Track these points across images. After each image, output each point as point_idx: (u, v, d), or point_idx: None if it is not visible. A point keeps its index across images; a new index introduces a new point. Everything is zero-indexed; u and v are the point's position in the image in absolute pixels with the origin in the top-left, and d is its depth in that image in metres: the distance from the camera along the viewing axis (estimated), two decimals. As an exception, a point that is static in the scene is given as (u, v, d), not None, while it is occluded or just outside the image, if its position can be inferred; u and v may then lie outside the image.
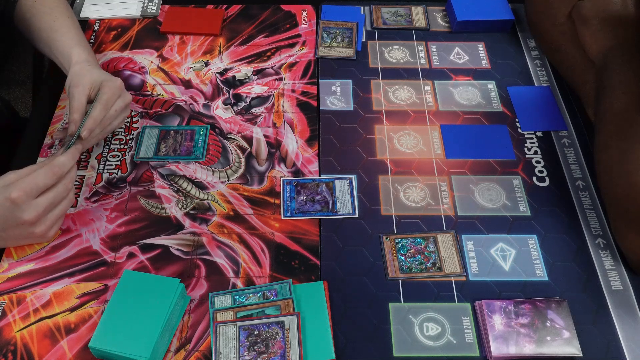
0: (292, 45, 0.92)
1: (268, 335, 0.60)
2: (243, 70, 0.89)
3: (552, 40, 0.85)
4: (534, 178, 0.76)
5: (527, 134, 0.81)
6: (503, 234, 0.71)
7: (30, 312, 0.63)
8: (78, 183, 0.75)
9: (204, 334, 0.62)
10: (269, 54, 0.91)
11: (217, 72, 0.88)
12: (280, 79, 0.88)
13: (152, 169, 0.77)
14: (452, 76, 0.88)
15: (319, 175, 0.76)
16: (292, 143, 0.80)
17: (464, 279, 0.67)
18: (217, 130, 0.81)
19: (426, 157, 0.78)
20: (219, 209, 0.73)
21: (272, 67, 0.89)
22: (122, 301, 0.61)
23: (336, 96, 0.86)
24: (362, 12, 0.98)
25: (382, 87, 0.87)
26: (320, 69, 0.89)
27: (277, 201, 0.73)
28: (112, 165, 0.77)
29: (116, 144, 0.79)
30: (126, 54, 0.91)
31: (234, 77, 0.88)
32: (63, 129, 0.79)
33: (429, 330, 0.63)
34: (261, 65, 0.89)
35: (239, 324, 0.61)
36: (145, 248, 0.69)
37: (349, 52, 0.91)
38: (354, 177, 0.76)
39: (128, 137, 0.80)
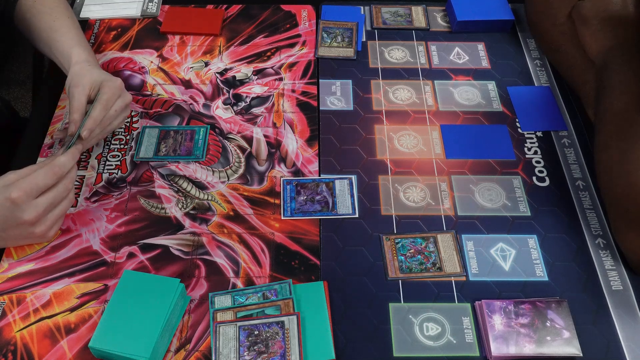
0: (292, 45, 0.93)
1: (268, 335, 0.60)
2: (243, 70, 0.89)
3: (552, 40, 0.85)
4: (534, 178, 0.76)
5: (527, 134, 0.81)
6: (503, 234, 0.71)
7: (30, 312, 0.63)
8: (78, 183, 0.75)
9: (204, 334, 0.62)
10: (269, 54, 0.91)
11: (217, 72, 0.88)
12: (280, 79, 0.88)
13: (152, 169, 0.77)
14: (452, 76, 0.88)
15: (319, 175, 0.76)
16: (292, 143, 0.80)
17: (464, 279, 0.67)
18: (217, 130, 0.81)
19: (426, 157, 0.78)
20: (219, 209, 0.73)
21: (272, 67, 0.89)
22: (122, 301, 0.61)
23: (336, 96, 0.86)
24: (362, 12, 0.98)
25: (382, 87, 0.87)
26: (320, 69, 0.89)
27: (277, 201, 0.73)
28: (112, 165, 0.77)
29: (116, 144, 0.79)
30: (126, 54, 0.91)
31: (234, 77, 0.88)
32: (63, 129, 0.79)
33: (429, 330, 0.63)
34: (261, 65, 0.89)
35: (239, 324, 0.61)
36: (145, 248, 0.69)
37: (349, 52, 0.91)
38: (354, 177, 0.76)
39: (128, 137, 0.80)
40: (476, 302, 0.64)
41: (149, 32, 0.94)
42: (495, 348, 0.60)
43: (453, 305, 0.65)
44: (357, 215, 0.72)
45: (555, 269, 0.68)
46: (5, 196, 0.61)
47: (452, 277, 0.67)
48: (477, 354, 0.61)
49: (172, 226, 0.71)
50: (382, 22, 0.96)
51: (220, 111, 0.83)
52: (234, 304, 0.63)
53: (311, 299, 0.64)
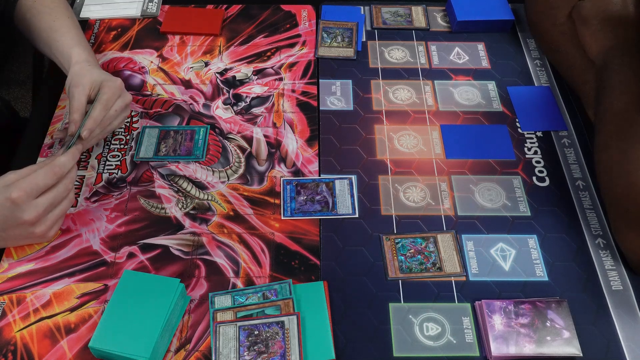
0: (292, 45, 0.93)
1: (268, 335, 0.60)
2: (243, 70, 0.89)
3: (552, 40, 0.85)
4: (534, 178, 0.76)
5: (527, 134, 0.81)
6: (503, 234, 0.71)
7: (30, 312, 0.63)
8: (78, 183, 0.75)
9: (204, 334, 0.62)
10: (269, 54, 0.91)
11: (217, 72, 0.88)
12: (280, 79, 0.88)
13: (152, 169, 0.77)
14: (452, 76, 0.88)
15: (319, 175, 0.76)
16: (292, 143, 0.80)
17: (464, 279, 0.67)
18: (217, 130, 0.81)
19: (426, 157, 0.78)
20: (219, 209, 0.73)
21: (272, 67, 0.89)
22: (122, 301, 0.61)
23: (336, 96, 0.86)
24: (362, 12, 0.98)
25: (382, 87, 0.87)
26: (320, 69, 0.89)
27: (277, 201, 0.73)
28: (112, 165, 0.77)
29: (116, 144, 0.79)
30: (126, 54, 0.91)
31: (234, 77, 0.88)
32: (63, 129, 0.79)
33: (429, 330, 0.63)
34: (261, 65, 0.89)
35: (239, 324, 0.61)
36: (145, 248, 0.69)
37: (349, 52, 0.91)
38: (354, 177, 0.76)
39: (128, 137, 0.80)
40: (476, 302, 0.64)
41: (149, 32, 0.94)
42: (495, 348, 0.60)
43: (453, 305, 0.65)
44: (357, 215, 0.72)
45: (555, 269, 0.68)
46: (6, 196, 0.61)
47: (452, 277, 0.67)
48: (477, 354, 0.61)
49: (172, 226, 0.71)
50: (382, 22, 0.96)
51: (220, 111, 0.83)
52: (234, 304, 0.63)
53: (311, 299, 0.64)
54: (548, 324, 0.62)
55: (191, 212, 0.72)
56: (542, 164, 0.78)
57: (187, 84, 0.87)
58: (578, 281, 0.67)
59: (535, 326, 0.62)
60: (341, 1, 1.00)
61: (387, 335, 0.63)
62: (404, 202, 0.74)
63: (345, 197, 0.74)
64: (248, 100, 0.85)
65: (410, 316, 0.64)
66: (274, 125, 0.82)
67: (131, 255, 0.68)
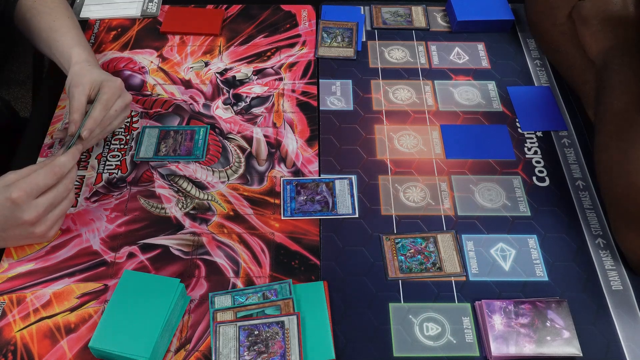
0: (292, 45, 0.93)
1: (268, 335, 0.60)
2: (243, 70, 0.89)
3: (552, 40, 0.85)
4: (534, 178, 0.76)
5: (527, 134, 0.81)
6: (503, 234, 0.71)
7: (30, 312, 0.63)
8: (78, 183, 0.75)
9: (204, 334, 0.62)
10: (269, 54, 0.91)
11: (217, 72, 0.88)
12: (280, 79, 0.88)
13: (152, 169, 0.77)
14: (452, 76, 0.88)
15: (319, 175, 0.76)
16: (292, 143, 0.80)
17: (464, 279, 0.67)
18: (217, 130, 0.81)
19: (426, 157, 0.78)
20: (219, 209, 0.73)
21: (272, 67, 0.89)
22: (122, 301, 0.61)
23: (336, 96, 0.86)
24: (362, 12, 0.98)
25: (382, 87, 0.87)
26: (320, 69, 0.89)
27: (277, 201, 0.73)
28: (112, 165, 0.77)
29: (116, 144, 0.79)
30: (126, 54, 0.91)
31: (234, 77, 0.88)
32: (63, 129, 0.79)
33: (429, 330, 0.63)
34: (261, 65, 0.89)
35: (239, 324, 0.61)
36: (145, 248, 0.69)
37: (349, 52, 0.91)
38: (354, 177, 0.76)
39: (128, 137, 0.80)
40: (476, 302, 0.64)
41: (149, 32, 0.94)
42: (495, 348, 0.60)
43: (453, 305, 0.65)
44: (357, 215, 0.72)
45: (555, 269, 0.68)
46: (6, 196, 0.61)
47: (452, 277, 0.67)
48: (477, 354, 0.61)
49: (172, 226, 0.71)
50: (382, 22, 0.96)
51: (220, 111, 0.83)
52: (234, 304, 0.63)
53: (311, 299, 0.64)
54: (548, 324, 0.62)
55: (191, 212, 0.72)
56: (542, 164, 0.78)
57: (187, 84, 0.87)
58: (578, 281, 0.67)
59: (535, 326, 0.62)
60: (341, 1, 1.00)
61: (387, 335, 0.63)
62: (404, 202, 0.74)
63: (345, 197, 0.74)
64: (248, 100, 0.85)
65: (410, 316, 0.64)
66: (274, 125, 0.82)
67: (131, 255, 0.68)
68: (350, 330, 0.63)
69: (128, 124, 0.81)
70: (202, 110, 0.83)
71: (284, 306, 0.63)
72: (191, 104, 0.84)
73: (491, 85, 0.87)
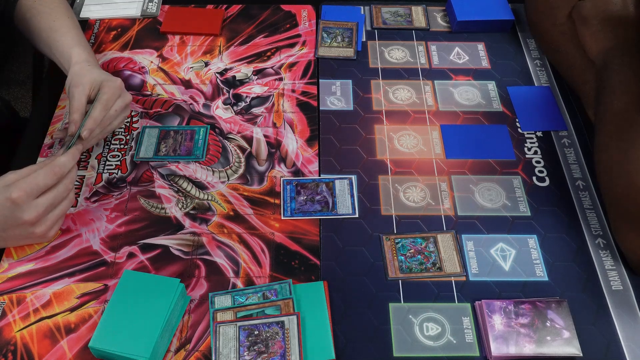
0: (292, 45, 0.93)
1: (268, 335, 0.60)
2: (243, 70, 0.89)
3: (552, 40, 0.85)
4: (534, 178, 0.76)
5: (527, 134, 0.81)
6: (503, 234, 0.71)
7: (30, 312, 0.63)
8: (78, 183, 0.75)
9: (204, 334, 0.62)
10: (269, 54, 0.91)
11: (217, 72, 0.88)
12: (280, 79, 0.88)
13: (152, 169, 0.77)
14: (452, 76, 0.88)
15: (319, 175, 0.76)
16: (292, 143, 0.80)
17: (464, 279, 0.67)
18: (217, 130, 0.81)
19: (426, 157, 0.78)
20: (219, 209, 0.73)
21: (272, 67, 0.89)
22: (122, 301, 0.61)
23: (336, 96, 0.86)
24: (362, 12, 0.98)
25: (382, 87, 0.87)
26: (320, 69, 0.89)
27: (277, 201, 0.73)
28: (112, 165, 0.77)
29: (116, 144, 0.79)
30: (126, 54, 0.91)
31: (234, 77, 0.88)
32: (63, 129, 0.79)
33: (429, 330, 0.63)
34: (261, 65, 0.89)
35: (239, 324, 0.61)
36: (145, 248, 0.69)
37: (349, 52, 0.91)
38: (354, 177, 0.76)
39: (128, 137, 0.80)
40: (476, 302, 0.64)
41: (149, 32, 0.94)
42: (495, 348, 0.60)
43: (453, 305, 0.65)
44: (357, 215, 0.72)
45: (555, 269, 0.68)
46: (6, 196, 0.61)
47: (452, 277, 0.67)
48: (477, 354, 0.61)
49: (172, 226, 0.71)
50: (382, 22, 0.96)
51: (220, 111, 0.83)
52: (234, 304, 0.63)
53: (311, 299, 0.64)
54: (548, 324, 0.62)
55: (191, 212, 0.72)
56: (542, 164, 0.78)
57: (187, 84, 0.87)
58: (578, 281, 0.67)
59: (535, 326, 0.62)
60: (341, 1, 1.00)
61: (387, 335, 0.63)
62: (404, 202, 0.74)
63: (345, 197, 0.74)
64: (248, 100, 0.85)
65: (410, 316, 0.64)
66: (274, 125, 0.82)
67: (131, 255, 0.68)
68: (350, 330, 0.63)
69: (128, 124, 0.81)
70: (202, 110, 0.83)
71: (284, 306, 0.63)
72: (191, 104, 0.84)
73: (491, 85, 0.87)
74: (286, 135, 0.80)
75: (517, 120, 0.83)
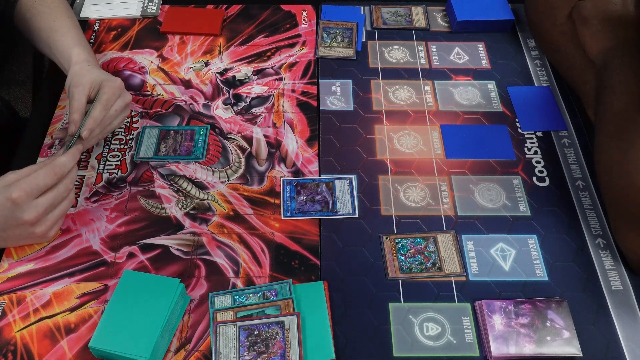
0: (292, 45, 0.93)
1: (268, 335, 0.60)
2: (243, 70, 0.89)
3: (552, 40, 0.85)
4: (534, 178, 0.76)
5: (527, 134, 0.81)
6: (503, 234, 0.71)
7: (30, 312, 0.63)
8: (78, 183, 0.75)
9: (204, 334, 0.62)
10: (269, 54, 0.91)
11: (217, 72, 0.88)
12: (280, 79, 0.88)
13: (152, 169, 0.77)
14: (452, 76, 0.88)
15: (319, 175, 0.76)
16: (292, 143, 0.80)
17: (464, 279, 0.67)
18: (217, 130, 0.81)
19: (426, 157, 0.78)
20: (219, 209, 0.73)
21: (272, 67, 0.89)
22: (122, 301, 0.61)
23: (336, 96, 0.86)
24: (362, 12, 0.98)
25: (382, 87, 0.87)
26: (320, 69, 0.89)
27: (277, 201, 0.73)
28: (112, 165, 0.77)
29: (116, 144, 0.79)
30: (126, 54, 0.91)
31: (234, 77, 0.88)
32: (63, 129, 0.79)
33: (429, 330, 0.63)
34: (261, 65, 0.89)
35: (239, 324, 0.61)
36: (145, 248, 0.69)
37: (349, 52, 0.91)
38: (354, 177, 0.76)
39: (128, 137, 0.80)
40: (476, 302, 0.64)
41: (149, 32, 0.94)
42: (495, 348, 0.60)
43: (453, 305, 0.65)
44: (357, 215, 0.72)
45: (555, 269, 0.68)
46: (6, 196, 0.61)
47: (452, 277, 0.67)
48: (477, 354, 0.61)
49: (172, 226, 0.71)
50: (382, 22, 0.96)
51: (220, 111, 0.83)
52: (234, 304, 0.63)
53: (311, 299, 0.64)
54: (548, 324, 0.62)
55: (191, 212, 0.72)
56: (542, 164, 0.78)
57: (187, 84, 0.87)
58: (578, 281, 0.67)
59: (535, 326, 0.62)
60: (341, 1, 1.00)
61: (387, 335, 0.63)
62: (404, 202, 0.74)
63: (345, 197, 0.74)
64: (248, 100, 0.85)
65: (410, 316, 0.64)
66: (274, 125, 0.82)
67: (131, 255, 0.68)
68: (350, 330, 0.63)
69: (128, 124, 0.81)
70: (202, 110, 0.83)
71: (284, 306, 0.63)
72: (191, 104, 0.84)
73: (491, 85, 0.87)
74: (286, 135, 0.80)
75: (517, 120, 0.83)
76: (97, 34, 0.94)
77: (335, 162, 0.78)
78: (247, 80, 0.87)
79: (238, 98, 0.85)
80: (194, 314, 0.64)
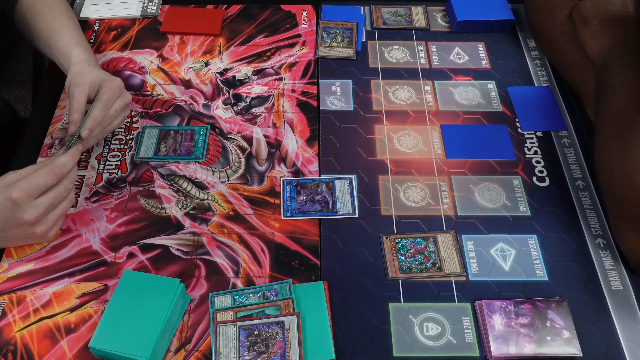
0: (292, 45, 0.93)
1: (268, 335, 0.60)
2: (243, 70, 0.89)
3: (552, 40, 0.85)
4: (534, 178, 0.76)
5: (527, 134, 0.81)
6: (503, 234, 0.71)
7: (30, 312, 0.63)
8: (78, 183, 0.75)
9: (204, 334, 0.62)
10: (269, 54, 0.91)
11: (217, 72, 0.88)
12: (280, 79, 0.88)
13: (152, 169, 0.77)
14: (452, 76, 0.88)
15: (319, 175, 0.76)
16: (292, 143, 0.80)
17: (464, 279, 0.67)
18: (217, 130, 0.81)
19: (426, 157, 0.78)
20: (219, 209, 0.73)
21: (272, 67, 0.89)
22: (122, 301, 0.61)
23: (336, 96, 0.86)
24: (362, 12, 0.98)
25: (382, 87, 0.87)
26: (320, 69, 0.89)
27: (277, 201, 0.73)
28: (112, 165, 0.77)
29: (116, 144, 0.79)
30: (126, 54, 0.91)
31: (234, 77, 0.88)
32: (63, 129, 0.79)
33: (429, 330, 0.63)
34: (261, 65, 0.89)
35: (239, 324, 0.61)
36: (145, 248, 0.69)
37: (349, 52, 0.91)
38: (354, 177, 0.76)
39: (128, 137, 0.80)
40: (476, 302, 0.64)
41: (149, 32, 0.94)
42: (495, 348, 0.60)
43: (453, 305, 0.65)
44: (357, 215, 0.72)
45: (555, 269, 0.68)
46: (6, 196, 0.61)
47: (452, 277, 0.67)
48: (477, 354, 0.61)
49: (172, 226, 0.71)
50: (382, 22, 0.96)
51: (220, 111, 0.83)
52: (234, 304, 0.63)
53: (311, 299, 0.64)
54: (548, 324, 0.62)
55: (191, 212, 0.72)
56: (542, 164, 0.78)
57: (187, 84, 0.87)
58: (578, 281, 0.67)
59: (535, 326, 0.62)
60: (341, 1, 1.00)
61: (387, 335, 0.63)
62: (404, 202, 0.74)
63: (345, 197, 0.74)
64: (248, 100, 0.85)
65: (410, 316, 0.64)
66: (274, 125, 0.82)
67: (131, 255, 0.68)
68: (350, 330, 0.63)
69: (128, 124, 0.81)
70: (202, 110, 0.84)
71: (284, 306, 0.63)
72: (191, 104, 0.84)
73: (491, 85, 0.87)
74: (286, 135, 0.80)
75: (517, 120, 0.83)
76: (97, 34, 0.94)
77: (335, 162, 0.78)
78: (247, 80, 0.87)
79: (238, 98, 0.85)
80: (194, 314, 0.64)
